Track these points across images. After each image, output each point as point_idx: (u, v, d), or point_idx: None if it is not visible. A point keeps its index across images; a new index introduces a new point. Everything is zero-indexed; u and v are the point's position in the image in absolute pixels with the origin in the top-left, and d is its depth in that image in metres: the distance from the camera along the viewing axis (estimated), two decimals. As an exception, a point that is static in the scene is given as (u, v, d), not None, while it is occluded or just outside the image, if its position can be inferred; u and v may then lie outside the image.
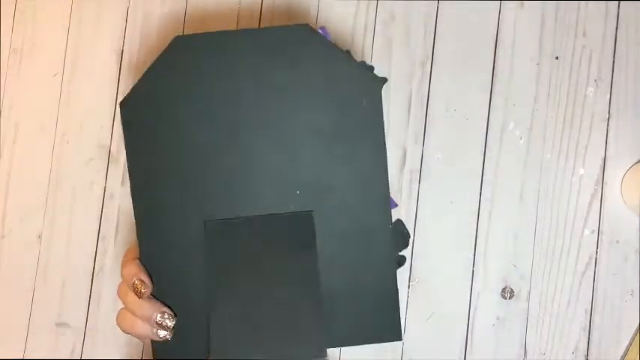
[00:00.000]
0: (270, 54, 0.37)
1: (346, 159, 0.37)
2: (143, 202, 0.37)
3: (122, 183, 0.56)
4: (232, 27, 0.56)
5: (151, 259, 0.37)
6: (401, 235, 0.51)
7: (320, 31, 0.46)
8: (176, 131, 0.37)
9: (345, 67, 0.37)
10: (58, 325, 0.55)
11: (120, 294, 0.37)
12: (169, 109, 0.37)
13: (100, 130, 0.56)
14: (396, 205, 0.52)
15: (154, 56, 0.56)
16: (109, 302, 0.55)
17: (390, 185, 0.37)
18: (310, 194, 0.37)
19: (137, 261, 0.37)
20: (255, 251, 0.37)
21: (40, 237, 0.56)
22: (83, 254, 0.56)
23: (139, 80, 0.37)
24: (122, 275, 0.37)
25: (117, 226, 0.55)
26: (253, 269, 0.36)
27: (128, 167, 0.37)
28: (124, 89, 0.56)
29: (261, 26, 0.55)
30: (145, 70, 0.37)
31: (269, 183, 0.37)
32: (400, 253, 0.51)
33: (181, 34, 0.56)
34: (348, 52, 0.38)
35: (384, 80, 0.41)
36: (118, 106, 0.56)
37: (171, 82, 0.37)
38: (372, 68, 0.38)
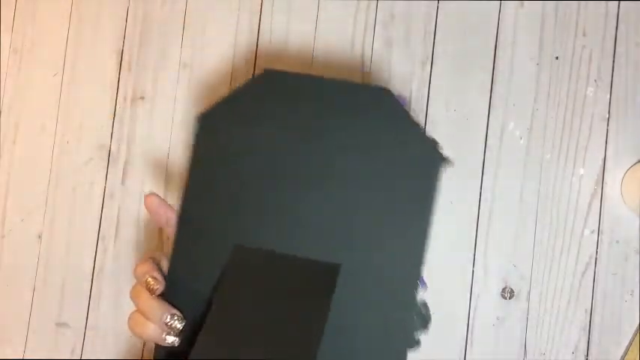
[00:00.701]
0: (347, 109, 0.37)
1: (389, 228, 0.37)
2: (190, 215, 0.38)
3: (122, 183, 0.56)
4: (232, 25, 0.56)
5: (180, 273, 0.37)
6: (422, 318, 0.50)
7: (399, 99, 0.46)
8: (241, 158, 0.38)
9: (416, 141, 0.37)
10: (58, 325, 0.55)
11: (132, 295, 0.37)
12: (240, 136, 0.38)
13: (100, 130, 0.56)
14: (425, 286, 0.52)
15: (154, 56, 0.56)
16: (109, 302, 0.55)
17: None
18: (344, 251, 0.37)
19: (151, 259, 0.37)
20: (269, 284, 0.36)
21: (40, 237, 0.56)
22: (83, 254, 0.56)
23: (222, 100, 0.38)
24: (135, 274, 0.37)
25: (117, 226, 0.55)
26: (260, 300, 0.36)
27: (186, 179, 0.38)
28: (124, 89, 0.56)
29: (259, 38, 0.55)
30: (229, 92, 0.38)
31: (311, 229, 0.37)
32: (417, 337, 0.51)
33: (182, 32, 0.56)
34: (423, 126, 0.38)
35: (448, 161, 0.41)
36: (121, 105, 0.56)
37: (250, 112, 0.38)
38: (441, 147, 0.39)
